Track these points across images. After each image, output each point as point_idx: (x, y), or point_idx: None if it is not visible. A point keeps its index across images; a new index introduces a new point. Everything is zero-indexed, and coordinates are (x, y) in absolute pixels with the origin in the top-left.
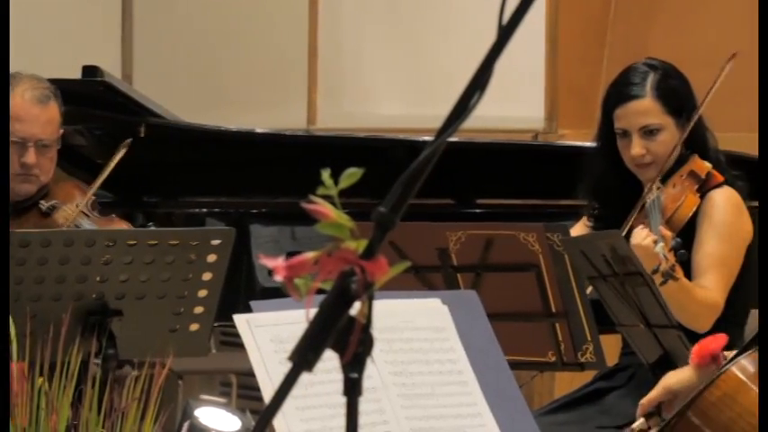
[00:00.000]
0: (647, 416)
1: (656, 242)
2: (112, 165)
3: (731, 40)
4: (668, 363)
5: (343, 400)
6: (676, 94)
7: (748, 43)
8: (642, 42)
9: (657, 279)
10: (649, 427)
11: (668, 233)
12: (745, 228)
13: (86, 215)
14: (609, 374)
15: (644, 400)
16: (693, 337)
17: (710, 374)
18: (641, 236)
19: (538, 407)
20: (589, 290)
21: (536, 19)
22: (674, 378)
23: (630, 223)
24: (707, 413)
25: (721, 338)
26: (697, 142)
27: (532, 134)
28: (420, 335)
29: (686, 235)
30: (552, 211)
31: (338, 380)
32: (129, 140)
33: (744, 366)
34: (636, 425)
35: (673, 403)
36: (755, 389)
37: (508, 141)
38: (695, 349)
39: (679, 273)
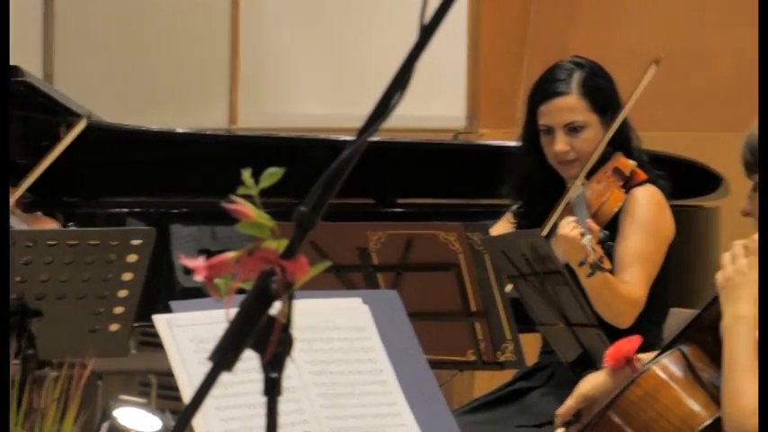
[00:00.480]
0: (567, 424)
1: (583, 234)
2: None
3: (651, 40)
4: (588, 361)
5: (263, 399)
6: (601, 92)
7: (669, 43)
8: (562, 42)
9: (584, 271)
10: None
11: (595, 226)
12: (668, 226)
13: (11, 213)
14: (528, 374)
15: (560, 410)
16: (613, 335)
17: (625, 377)
18: (569, 227)
19: (458, 406)
20: (509, 288)
21: (457, 19)
22: (589, 384)
23: (554, 221)
24: (628, 412)
25: (635, 341)
26: (621, 141)
27: (453, 134)
28: (340, 334)
29: (610, 231)
30: (473, 210)
31: (258, 380)
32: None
33: (665, 365)
34: None
35: (591, 409)
36: (676, 388)
37: (429, 141)
38: (609, 352)
39: (607, 264)
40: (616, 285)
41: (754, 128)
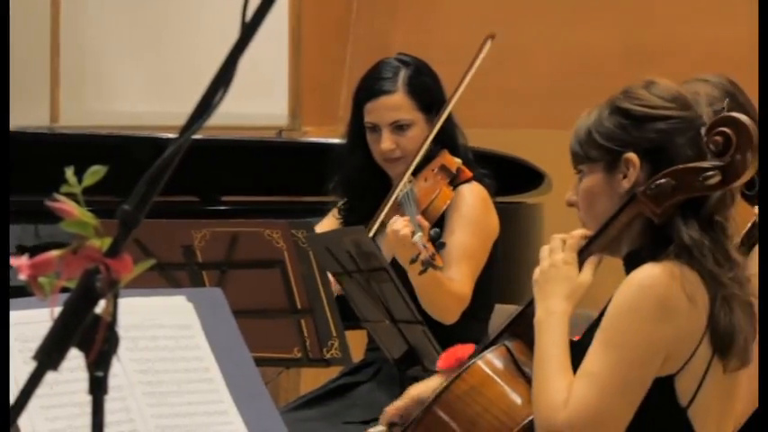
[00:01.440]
0: (391, 424)
1: (414, 232)
2: None
3: (470, 38)
4: (413, 358)
5: (88, 398)
6: (427, 91)
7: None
8: (384, 40)
9: (416, 269)
10: None
11: (426, 223)
12: (493, 224)
13: None
14: (354, 370)
15: (389, 408)
16: (437, 331)
17: None
18: (400, 224)
19: (284, 403)
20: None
21: (279, 16)
22: (422, 387)
23: (381, 219)
24: (453, 407)
25: (469, 348)
26: (447, 138)
27: (276, 131)
28: (165, 332)
29: (440, 227)
30: (298, 207)
31: (83, 378)
32: None
33: (489, 360)
34: (375, 429)
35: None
36: (501, 382)
37: (252, 138)
38: (442, 357)
39: (439, 262)
40: (444, 282)
41: (581, 120)
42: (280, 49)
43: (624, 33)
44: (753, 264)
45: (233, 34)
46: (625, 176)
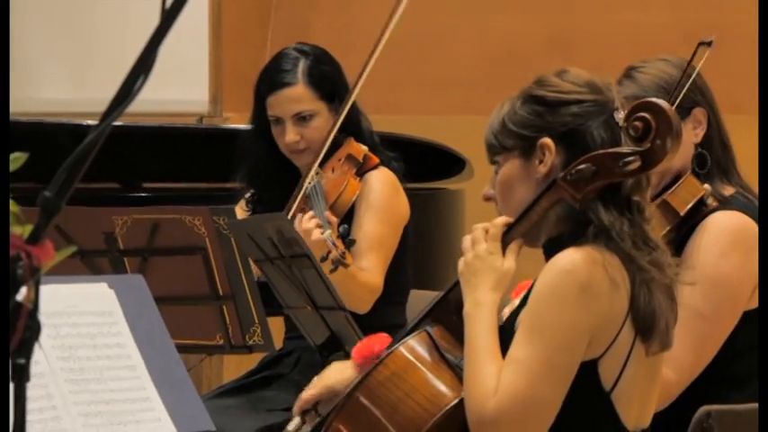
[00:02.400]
0: (303, 413)
1: (322, 230)
2: None
3: None
4: (336, 344)
5: (10, 386)
6: (328, 80)
7: (408, 28)
8: (305, 26)
9: (327, 266)
10: (304, 422)
11: (334, 219)
12: (402, 208)
13: None
14: (274, 361)
15: (302, 396)
16: (356, 316)
17: None
18: (310, 224)
19: (207, 390)
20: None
21: (199, 3)
22: (335, 376)
23: (293, 210)
24: (375, 393)
25: (385, 340)
26: (351, 125)
27: (197, 117)
28: (87, 319)
29: (349, 218)
30: (219, 194)
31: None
32: None
33: (411, 346)
34: (291, 425)
35: (333, 400)
36: (423, 368)
37: (173, 125)
38: (357, 349)
39: (349, 259)
40: (356, 275)
41: (494, 113)
42: (200, 35)
43: (546, 20)
44: (702, 237)
45: (154, 20)
46: (541, 162)
